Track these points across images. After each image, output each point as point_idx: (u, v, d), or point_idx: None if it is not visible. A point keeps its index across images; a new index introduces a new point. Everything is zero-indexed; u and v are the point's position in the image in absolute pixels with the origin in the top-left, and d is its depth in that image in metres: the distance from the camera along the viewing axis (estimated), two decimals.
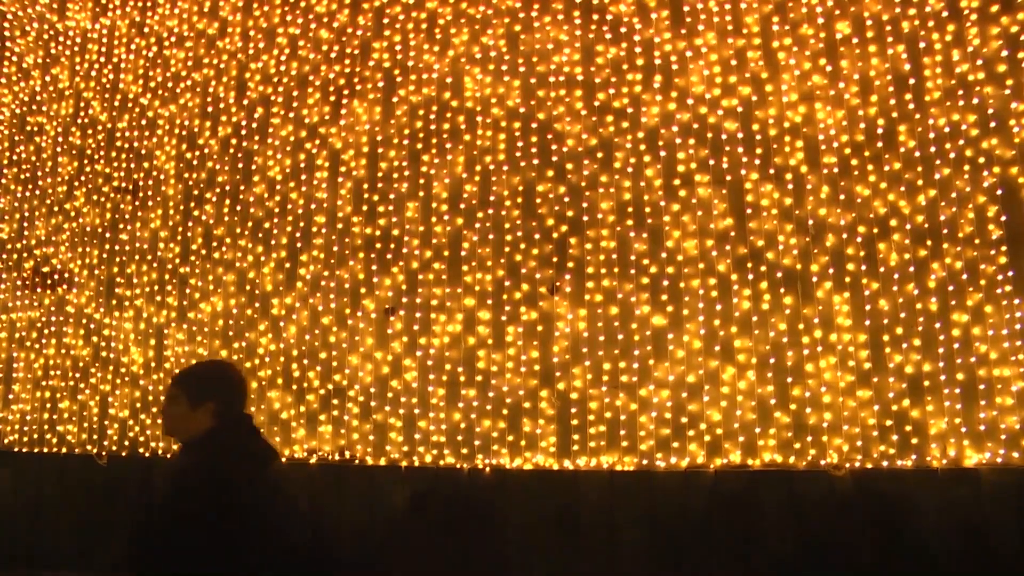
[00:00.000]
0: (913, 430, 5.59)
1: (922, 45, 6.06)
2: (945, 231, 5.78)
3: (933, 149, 5.89)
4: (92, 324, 7.85)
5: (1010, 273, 5.60)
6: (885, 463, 5.60)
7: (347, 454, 6.71)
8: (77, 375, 7.82)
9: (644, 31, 6.66)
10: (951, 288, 5.70)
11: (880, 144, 6.01)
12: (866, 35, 6.20)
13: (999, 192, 5.70)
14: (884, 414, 5.67)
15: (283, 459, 6.86)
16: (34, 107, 8.66)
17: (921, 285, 5.77)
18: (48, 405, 7.87)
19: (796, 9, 6.40)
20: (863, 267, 5.90)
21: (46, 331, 8.05)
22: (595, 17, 6.77)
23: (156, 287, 7.64)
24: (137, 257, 7.79)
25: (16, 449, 7.89)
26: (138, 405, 7.51)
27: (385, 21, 7.35)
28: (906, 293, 5.79)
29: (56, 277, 8.12)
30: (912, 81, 6.03)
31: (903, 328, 5.75)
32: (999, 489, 5.29)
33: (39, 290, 8.17)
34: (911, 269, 5.80)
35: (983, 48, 5.90)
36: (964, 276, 5.69)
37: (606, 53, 6.69)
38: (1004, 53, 5.82)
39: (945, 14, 6.05)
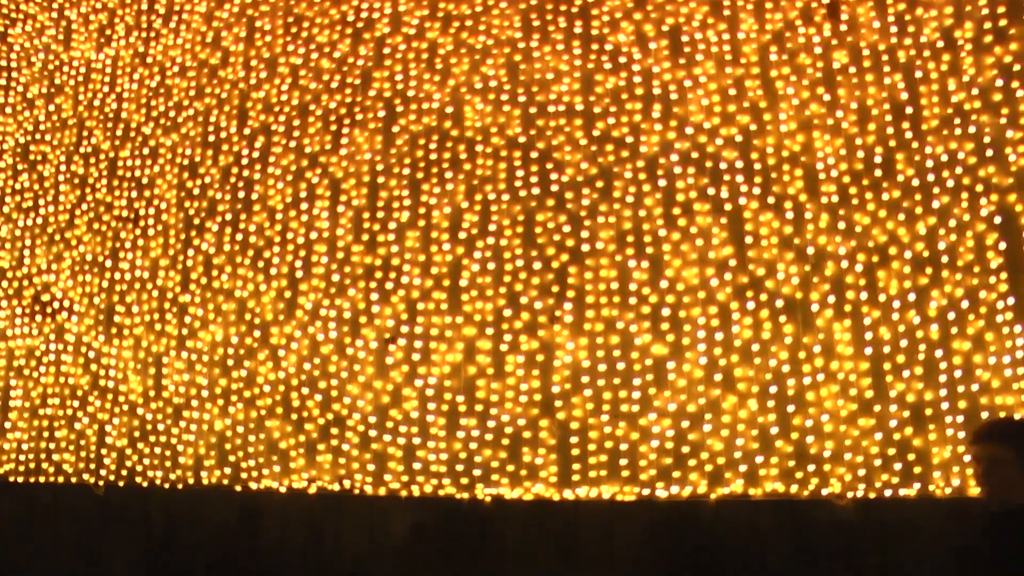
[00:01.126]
0: (916, 459, 5.57)
1: (919, 74, 6.11)
2: (945, 259, 5.80)
3: (931, 177, 5.93)
4: (91, 352, 7.83)
5: (1010, 300, 5.61)
6: (888, 492, 5.57)
7: (346, 483, 6.67)
8: (75, 403, 7.79)
9: (643, 61, 6.72)
10: (952, 316, 5.70)
11: (878, 172, 6.04)
12: (863, 64, 6.26)
13: (997, 220, 5.72)
14: (887, 443, 5.64)
15: (282, 489, 6.83)
16: (37, 136, 8.71)
17: (922, 313, 5.77)
18: (45, 434, 7.83)
19: (794, 39, 6.47)
20: (863, 295, 5.90)
21: (44, 359, 8.02)
22: (594, 47, 6.83)
23: (156, 316, 7.63)
24: (137, 286, 7.79)
25: (11, 479, 7.83)
26: (136, 434, 7.47)
27: (386, 51, 7.41)
28: (907, 321, 5.79)
29: (56, 305, 8.12)
30: (909, 110, 6.08)
31: (904, 356, 5.74)
32: None
33: (38, 318, 8.16)
34: (911, 297, 5.81)
35: (979, 77, 5.95)
36: (964, 304, 5.69)
37: (605, 82, 6.74)
38: (999, 83, 5.88)
39: (941, 44, 6.11)
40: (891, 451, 5.62)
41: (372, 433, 6.66)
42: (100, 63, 8.62)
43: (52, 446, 7.78)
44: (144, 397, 7.51)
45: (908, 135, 6.03)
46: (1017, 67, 5.86)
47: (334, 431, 6.78)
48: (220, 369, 7.27)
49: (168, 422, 7.36)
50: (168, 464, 7.29)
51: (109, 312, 7.87)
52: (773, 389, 5.91)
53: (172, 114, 8.10)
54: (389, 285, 6.89)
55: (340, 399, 6.82)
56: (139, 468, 7.39)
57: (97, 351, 7.81)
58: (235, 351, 7.26)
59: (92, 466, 7.58)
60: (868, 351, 5.80)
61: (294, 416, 6.93)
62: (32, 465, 7.82)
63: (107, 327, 7.84)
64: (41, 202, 8.48)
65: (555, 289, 6.46)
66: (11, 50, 9.04)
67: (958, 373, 5.63)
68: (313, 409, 6.88)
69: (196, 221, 7.70)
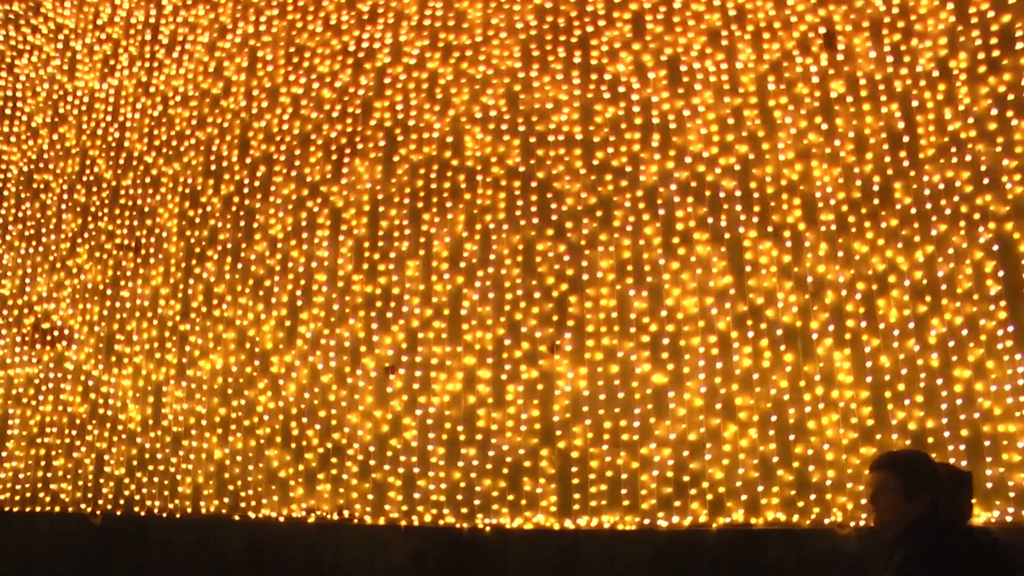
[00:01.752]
0: None
1: (915, 104, 6.16)
2: (944, 287, 5.80)
3: (929, 205, 5.95)
4: (90, 381, 7.82)
5: (1010, 328, 5.60)
6: None
7: (346, 513, 6.63)
8: (73, 432, 7.76)
9: (642, 90, 6.78)
10: (952, 344, 5.69)
11: (876, 201, 6.06)
12: (860, 94, 6.30)
13: (995, 247, 5.73)
14: None
15: (281, 518, 6.78)
16: (41, 165, 8.77)
17: (922, 341, 5.76)
18: (42, 463, 7.80)
19: (791, 68, 6.52)
20: (863, 323, 5.90)
21: (44, 388, 8.01)
22: (594, 77, 6.89)
23: (156, 344, 7.63)
24: (138, 314, 7.80)
25: (7, 509, 7.78)
26: (135, 463, 7.44)
27: (386, 81, 7.48)
28: (907, 349, 5.78)
29: (56, 334, 8.12)
30: (906, 139, 6.11)
31: (905, 384, 5.73)
32: (1011, 549, 5.20)
33: (38, 346, 8.16)
34: (911, 325, 5.80)
35: (974, 107, 5.99)
36: (964, 331, 5.69)
37: (605, 112, 6.80)
38: (994, 112, 5.92)
39: (936, 74, 6.16)
40: None
41: (372, 462, 6.64)
42: (103, 92, 8.70)
43: (49, 475, 7.74)
44: (143, 426, 7.49)
45: (905, 164, 6.06)
46: (1011, 97, 5.90)
47: (334, 460, 6.75)
48: (220, 398, 7.26)
49: (167, 451, 7.34)
50: (166, 493, 7.25)
51: (109, 340, 7.87)
52: (774, 418, 5.89)
53: (174, 143, 8.16)
54: (389, 314, 6.89)
55: (340, 428, 6.80)
56: (137, 497, 7.35)
57: (96, 379, 7.80)
58: (235, 380, 7.25)
59: (90, 495, 7.54)
60: (869, 379, 5.79)
61: (293, 445, 6.91)
62: (28, 495, 7.78)
63: (107, 355, 7.84)
64: (43, 230, 8.52)
65: (555, 318, 6.46)
66: (17, 80, 9.13)
67: (959, 401, 5.61)
68: (312, 438, 6.86)
69: (197, 250, 7.72)
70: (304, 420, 6.92)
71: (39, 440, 7.88)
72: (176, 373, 7.48)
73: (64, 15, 9.12)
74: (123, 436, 7.55)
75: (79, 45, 8.97)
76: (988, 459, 5.44)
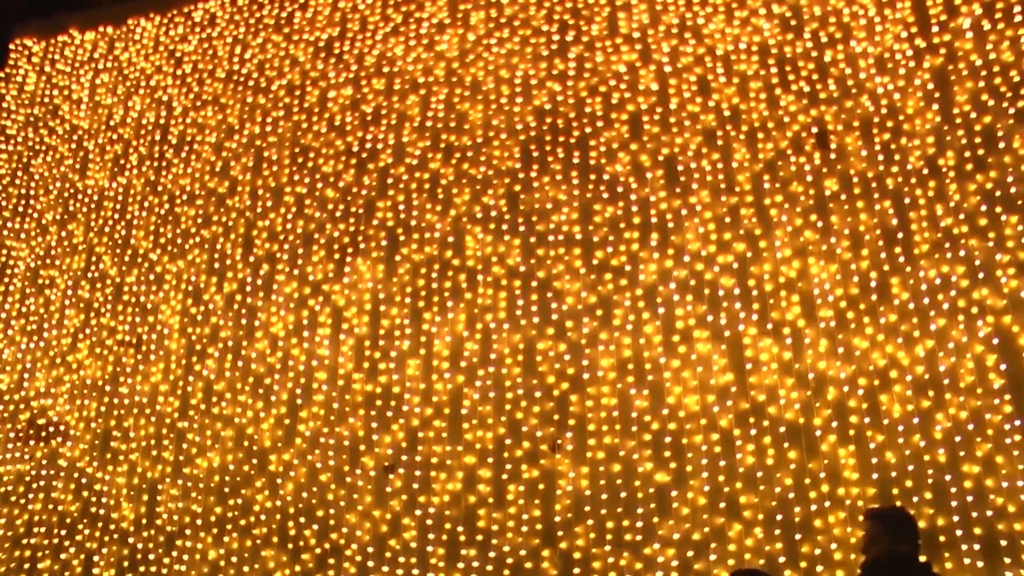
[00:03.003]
0: None
1: (907, 200, 6.28)
2: (946, 381, 5.79)
3: (927, 300, 6.00)
4: (84, 478, 7.69)
5: (1017, 422, 5.55)
6: None
7: None
8: (63, 532, 7.56)
9: (640, 190, 6.93)
10: (958, 439, 5.64)
11: (875, 297, 6.12)
12: (854, 191, 6.44)
13: (995, 341, 5.74)
14: None
15: None
16: (48, 261, 8.87)
17: (927, 436, 5.72)
18: (26, 566, 7.56)
19: (786, 167, 6.68)
20: (867, 419, 5.86)
21: (34, 485, 7.86)
22: (592, 177, 7.06)
23: (153, 441, 7.55)
24: (136, 411, 7.74)
25: None
26: (125, 564, 7.24)
27: (389, 181, 7.66)
28: (913, 445, 5.73)
29: (51, 429, 8.04)
30: (900, 235, 6.21)
31: (912, 481, 5.65)
32: None
33: (32, 442, 8.06)
34: (916, 420, 5.76)
35: (964, 203, 6.11)
36: (970, 426, 5.64)
37: (604, 212, 6.93)
38: (983, 208, 6.04)
39: (926, 171, 6.31)
40: None
41: (370, 563, 6.48)
42: (112, 191, 8.89)
43: None
44: (136, 525, 7.33)
45: (901, 259, 6.15)
46: (999, 193, 6.03)
47: (331, 561, 6.59)
48: (216, 496, 7.14)
49: (160, 551, 7.16)
50: None
51: (106, 437, 7.78)
52: (779, 516, 5.79)
53: (179, 241, 8.28)
54: (389, 413, 6.86)
55: (338, 528, 6.67)
56: None
57: (90, 477, 7.67)
58: (232, 478, 7.14)
59: None
60: (875, 476, 5.72)
61: (290, 545, 6.75)
62: None
63: (102, 452, 7.73)
64: (45, 325, 8.55)
65: (556, 417, 6.43)
66: (31, 179, 9.36)
67: (970, 498, 5.51)
68: (310, 538, 6.72)
69: (198, 347, 7.74)
70: (302, 520, 6.79)
71: (25, 541, 7.66)
72: (172, 471, 7.37)
73: (79, 116, 9.42)
74: (115, 536, 7.37)
75: (91, 145, 9.23)
76: (1007, 560, 5.31)
